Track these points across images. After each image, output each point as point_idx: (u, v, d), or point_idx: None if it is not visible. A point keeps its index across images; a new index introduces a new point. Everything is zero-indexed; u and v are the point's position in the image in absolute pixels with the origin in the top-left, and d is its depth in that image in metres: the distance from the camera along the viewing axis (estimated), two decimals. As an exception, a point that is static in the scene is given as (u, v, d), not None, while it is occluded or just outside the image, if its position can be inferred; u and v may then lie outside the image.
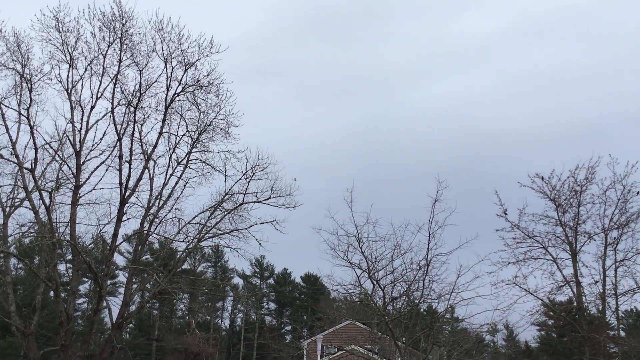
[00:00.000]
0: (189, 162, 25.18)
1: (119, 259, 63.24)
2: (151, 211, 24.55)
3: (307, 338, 40.93)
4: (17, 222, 24.91)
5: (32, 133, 23.32)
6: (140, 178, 24.34)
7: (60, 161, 24.64)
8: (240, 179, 25.21)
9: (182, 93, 24.50)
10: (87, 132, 23.89)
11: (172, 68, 23.99)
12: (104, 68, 23.63)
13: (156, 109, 24.59)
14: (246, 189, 25.23)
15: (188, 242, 25.12)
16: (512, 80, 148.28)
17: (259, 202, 25.24)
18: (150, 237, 25.53)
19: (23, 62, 23.24)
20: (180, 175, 25.08)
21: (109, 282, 55.84)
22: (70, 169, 24.17)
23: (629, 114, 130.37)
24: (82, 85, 23.76)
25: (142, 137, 24.55)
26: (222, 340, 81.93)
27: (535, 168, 48.82)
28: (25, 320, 23.47)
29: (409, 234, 17.87)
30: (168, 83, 24.18)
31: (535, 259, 23.81)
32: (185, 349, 59.48)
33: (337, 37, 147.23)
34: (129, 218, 24.47)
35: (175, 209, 25.03)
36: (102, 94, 23.85)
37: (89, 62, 23.52)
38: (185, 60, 23.84)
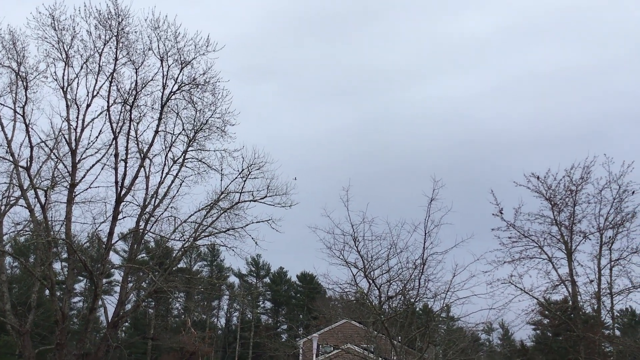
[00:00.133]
0: (185, 160, 25.21)
1: (114, 258, 63.38)
2: (147, 210, 24.56)
3: (303, 337, 40.91)
4: (13, 221, 24.99)
5: (27, 131, 23.31)
6: (136, 176, 24.35)
7: (55, 159, 24.63)
8: (236, 177, 25.29)
9: (178, 91, 24.52)
10: (82, 130, 23.89)
11: (169, 66, 24.06)
12: (99, 66, 23.66)
13: (152, 108, 24.64)
14: (242, 187, 25.30)
15: (184, 240, 25.15)
16: (511, 80, 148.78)
17: (255, 201, 25.28)
18: (146, 235, 25.51)
19: (19, 60, 23.23)
20: (176, 174, 25.12)
21: (104, 280, 55.62)
22: (65, 167, 24.18)
23: (629, 114, 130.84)
24: (77, 83, 23.83)
25: (138, 136, 24.59)
26: (218, 339, 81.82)
27: (535, 168, 48.87)
28: (20, 319, 23.45)
29: (405, 233, 17.84)
30: (164, 81, 24.23)
31: (530, 258, 23.83)
32: (181, 347, 59.28)
33: (337, 37, 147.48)
34: (125, 216, 24.55)
35: (171, 207, 25.09)
36: (97, 92, 23.89)
37: (84, 60, 23.55)
38: (182, 59, 23.87)
